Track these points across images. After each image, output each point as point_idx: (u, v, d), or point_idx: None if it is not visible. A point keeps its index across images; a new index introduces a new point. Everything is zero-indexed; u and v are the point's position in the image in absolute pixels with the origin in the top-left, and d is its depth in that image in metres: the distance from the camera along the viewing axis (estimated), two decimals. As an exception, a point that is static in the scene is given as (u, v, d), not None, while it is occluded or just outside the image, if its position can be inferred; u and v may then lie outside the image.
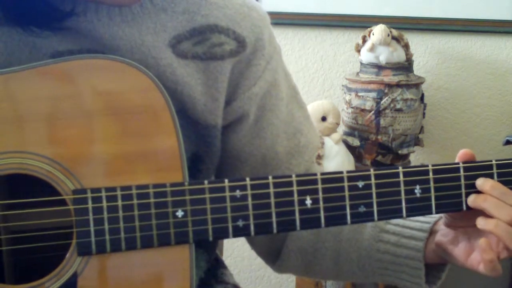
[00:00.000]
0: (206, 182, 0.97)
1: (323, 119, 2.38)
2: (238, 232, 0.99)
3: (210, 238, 0.98)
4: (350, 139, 2.41)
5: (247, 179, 0.98)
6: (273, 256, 1.28)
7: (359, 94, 2.37)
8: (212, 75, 1.13)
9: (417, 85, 2.38)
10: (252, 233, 0.99)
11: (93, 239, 0.95)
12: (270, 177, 0.99)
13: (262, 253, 1.32)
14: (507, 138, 1.14)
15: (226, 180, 0.98)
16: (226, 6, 1.14)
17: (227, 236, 0.99)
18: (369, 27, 2.41)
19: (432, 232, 1.14)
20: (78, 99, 0.97)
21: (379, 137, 2.35)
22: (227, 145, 1.20)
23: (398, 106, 2.32)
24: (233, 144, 1.20)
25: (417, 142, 2.45)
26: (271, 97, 1.20)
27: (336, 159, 2.34)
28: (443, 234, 1.11)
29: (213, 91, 1.13)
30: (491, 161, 1.06)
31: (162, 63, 1.08)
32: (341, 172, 1.01)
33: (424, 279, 1.15)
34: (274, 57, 1.21)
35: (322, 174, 1.01)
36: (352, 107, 2.39)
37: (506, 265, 2.67)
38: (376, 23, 2.39)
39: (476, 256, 1.06)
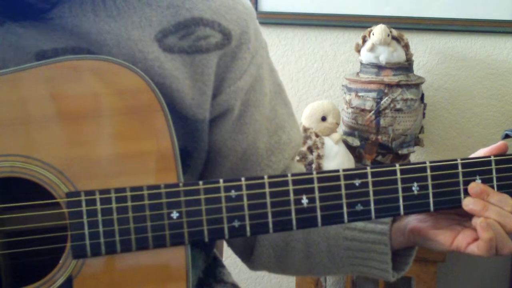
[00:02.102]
0: (200, 182, 0.97)
1: (323, 119, 2.37)
2: (234, 233, 0.98)
3: (206, 239, 0.97)
4: (350, 139, 2.40)
5: (242, 179, 0.98)
6: (247, 253, 1.28)
7: (359, 94, 2.37)
8: (199, 69, 1.12)
9: (417, 85, 2.37)
10: (248, 233, 0.98)
11: (87, 242, 0.94)
12: (265, 177, 0.98)
13: (238, 251, 1.32)
14: (506, 132, 1.12)
15: (221, 180, 0.97)
16: None
17: (223, 237, 0.98)
18: (369, 27, 2.41)
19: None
20: (71, 101, 0.96)
21: (379, 137, 2.34)
22: (209, 139, 1.19)
23: (398, 106, 2.32)
24: (215, 138, 1.19)
25: (417, 142, 2.44)
26: (255, 92, 1.20)
27: (336, 159, 2.33)
28: (421, 220, 1.10)
29: (200, 84, 1.13)
30: (489, 157, 1.05)
31: (150, 57, 1.08)
32: (337, 171, 1.00)
33: (391, 264, 1.14)
34: (260, 52, 1.20)
35: (318, 172, 1.00)
36: (352, 107, 2.39)
37: (506, 265, 2.67)
38: (376, 23, 2.39)
39: (462, 237, 1.05)
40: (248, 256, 1.27)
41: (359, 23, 2.58)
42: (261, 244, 1.24)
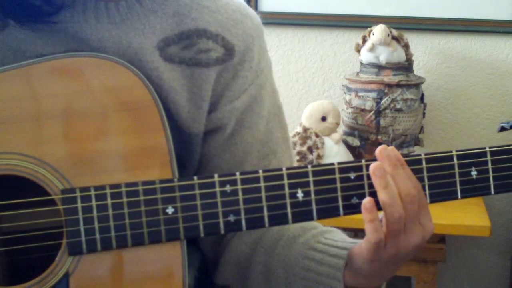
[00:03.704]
0: (195, 178, 0.96)
1: (323, 119, 2.38)
2: (230, 227, 0.98)
3: (202, 234, 0.97)
4: (350, 139, 2.40)
5: (237, 173, 0.97)
6: (214, 266, 1.24)
7: (359, 94, 2.37)
8: (197, 83, 1.11)
9: (417, 85, 2.37)
10: (244, 228, 0.98)
11: (83, 238, 0.94)
12: (260, 171, 0.98)
13: (208, 261, 1.28)
14: (502, 124, 1.11)
15: (216, 175, 0.97)
16: (218, 11, 1.12)
17: (218, 232, 0.98)
18: (369, 27, 2.41)
19: None
20: (64, 98, 0.96)
21: (379, 137, 2.35)
22: None
23: (398, 106, 2.32)
24: (203, 153, 1.17)
25: (417, 142, 2.44)
26: (252, 113, 1.17)
27: (336, 159, 2.33)
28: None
29: (197, 98, 1.11)
30: (485, 148, 1.04)
31: (148, 66, 1.07)
32: (332, 164, 1.00)
33: None
34: (264, 72, 1.18)
35: (313, 166, 0.99)
36: (352, 107, 2.39)
37: (506, 265, 2.67)
38: (376, 23, 2.39)
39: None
40: (213, 270, 1.24)
41: (359, 23, 2.58)
42: (225, 260, 1.21)
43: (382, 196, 0.98)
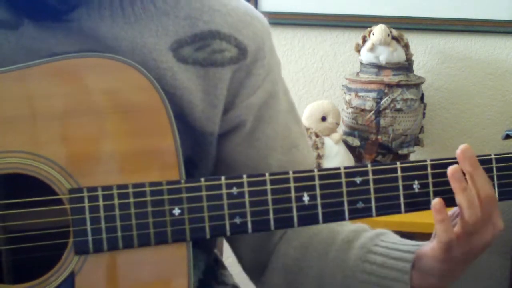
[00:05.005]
0: (202, 179, 0.97)
1: (323, 119, 2.38)
2: (236, 230, 0.98)
3: (208, 236, 0.97)
4: (350, 139, 2.40)
5: (244, 176, 0.98)
6: (258, 273, 1.25)
7: (359, 94, 2.37)
8: (212, 82, 1.12)
9: (417, 85, 2.38)
10: (250, 230, 0.99)
11: (90, 238, 0.95)
12: (267, 174, 0.99)
13: (247, 268, 1.29)
14: (507, 132, 1.12)
15: (223, 178, 0.98)
16: (228, 14, 1.14)
17: (224, 234, 0.98)
18: (369, 27, 2.41)
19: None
20: (74, 98, 0.96)
21: (379, 137, 2.35)
22: (220, 153, 1.19)
23: (398, 106, 2.32)
24: (226, 152, 1.18)
25: (417, 142, 2.44)
26: (268, 108, 1.19)
27: (336, 159, 2.33)
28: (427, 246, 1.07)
29: (212, 98, 1.13)
30: (490, 155, 1.05)
31: (163, 66, 1.08)
32: (339, 168, 1.01)
33: None
34: (275, 70, 1.20)
35: (319, 170, 1.00)
36: (352, 107, 2.39)
37: (506, 265, 2.67)
38: (376, 23, 2.39)
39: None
40: (258, 276, 1.25)
41: (359, 23, 2.58)
42: (273, 265, 1.21)
43: (461, 199, 1.00)
